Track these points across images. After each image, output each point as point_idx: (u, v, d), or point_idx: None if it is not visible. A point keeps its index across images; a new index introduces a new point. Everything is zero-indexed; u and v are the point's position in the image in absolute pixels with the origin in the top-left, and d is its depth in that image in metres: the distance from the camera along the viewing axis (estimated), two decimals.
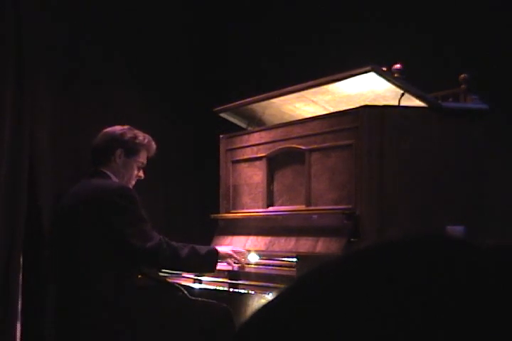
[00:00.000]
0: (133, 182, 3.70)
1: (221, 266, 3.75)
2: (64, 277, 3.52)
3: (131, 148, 3.65)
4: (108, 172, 3.61)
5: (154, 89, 5.32)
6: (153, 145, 3.73)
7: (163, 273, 3.91)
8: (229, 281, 3.73)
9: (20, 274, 4.51)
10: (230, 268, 3.77)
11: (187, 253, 3.48)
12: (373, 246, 0.61)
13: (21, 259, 4.51)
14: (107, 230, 3.40)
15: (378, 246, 0.61)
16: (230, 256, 3.67)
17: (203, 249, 3.57)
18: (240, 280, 3.70)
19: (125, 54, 5.20)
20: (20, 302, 4.51)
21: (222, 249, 3.70)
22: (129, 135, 3.66)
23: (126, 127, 3.71)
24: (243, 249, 3.78)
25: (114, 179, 3.61)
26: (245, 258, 3.73)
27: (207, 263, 3.58)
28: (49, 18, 4.81)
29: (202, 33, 5.55)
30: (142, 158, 3.69)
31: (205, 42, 5.57)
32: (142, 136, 3.69)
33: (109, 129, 3.70)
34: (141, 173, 3.72)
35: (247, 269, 3.75)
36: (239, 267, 3.72)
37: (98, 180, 3.58)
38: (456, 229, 3.29)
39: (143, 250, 3.39)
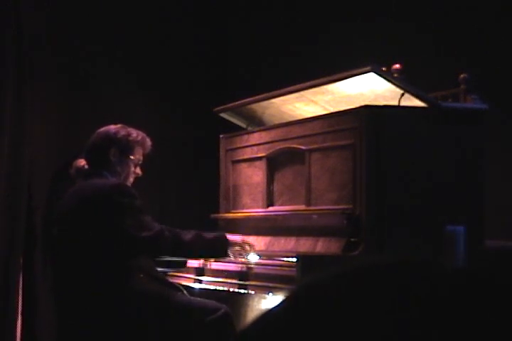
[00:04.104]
0: (131, 180, 3.69)
1: (222, 265, 3.75)
2: (64, 276, 3.52)
3: (126, 146, 3.64)
4: (104, 172, 3.60)
5: (154, 89, 5.33)
6: (148, 141, 3.72)
7: (168, 264, 3.89)
8: (229, 281, 3.73)
9: (21, 274, 4.51)
10: (230, 268, 3.76)
11: (191, 237, 3.45)
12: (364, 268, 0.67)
13: (21, 259, 4.52)
14: (107, 227, 3.40)
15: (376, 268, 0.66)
16: (239, 244, 3.61)
17: (210, 234, 3.55)
18: (240, 280, 3.69)
19: (125, 54, 5.20)
20: (20, 302, 4.52)
21: (231, 237, 3.65)
22: (122, 133, 3.65)
23: (119, 125, 3.70)
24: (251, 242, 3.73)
25: (111, 178, 3.60)
26: (252, 250, 3.67)
27: (216, 247, 3.53)
28: (49, 18, 4.81)
29: (202, 33, 5.55)
30: (137, 154, 3.68)
31: (206, 42, 5.57)
32: (135, 133, 3.68)
33: (102, 129, 3.70)
34: (138, 170, 3.71)
35: (247, 269, 3.73)
36: (242, 262, 3.67)
37: (95, 180, 3.58)
38: (456, 229, 3.29)
39: (143, 239, 3.38)
